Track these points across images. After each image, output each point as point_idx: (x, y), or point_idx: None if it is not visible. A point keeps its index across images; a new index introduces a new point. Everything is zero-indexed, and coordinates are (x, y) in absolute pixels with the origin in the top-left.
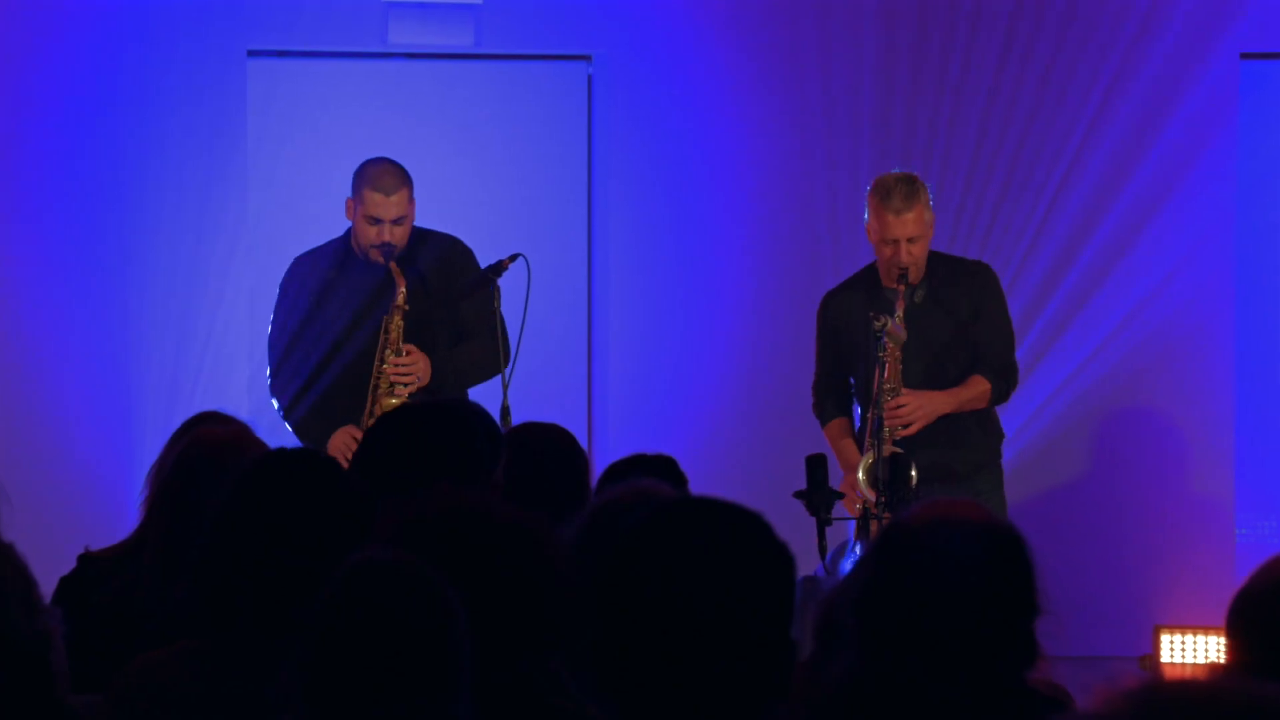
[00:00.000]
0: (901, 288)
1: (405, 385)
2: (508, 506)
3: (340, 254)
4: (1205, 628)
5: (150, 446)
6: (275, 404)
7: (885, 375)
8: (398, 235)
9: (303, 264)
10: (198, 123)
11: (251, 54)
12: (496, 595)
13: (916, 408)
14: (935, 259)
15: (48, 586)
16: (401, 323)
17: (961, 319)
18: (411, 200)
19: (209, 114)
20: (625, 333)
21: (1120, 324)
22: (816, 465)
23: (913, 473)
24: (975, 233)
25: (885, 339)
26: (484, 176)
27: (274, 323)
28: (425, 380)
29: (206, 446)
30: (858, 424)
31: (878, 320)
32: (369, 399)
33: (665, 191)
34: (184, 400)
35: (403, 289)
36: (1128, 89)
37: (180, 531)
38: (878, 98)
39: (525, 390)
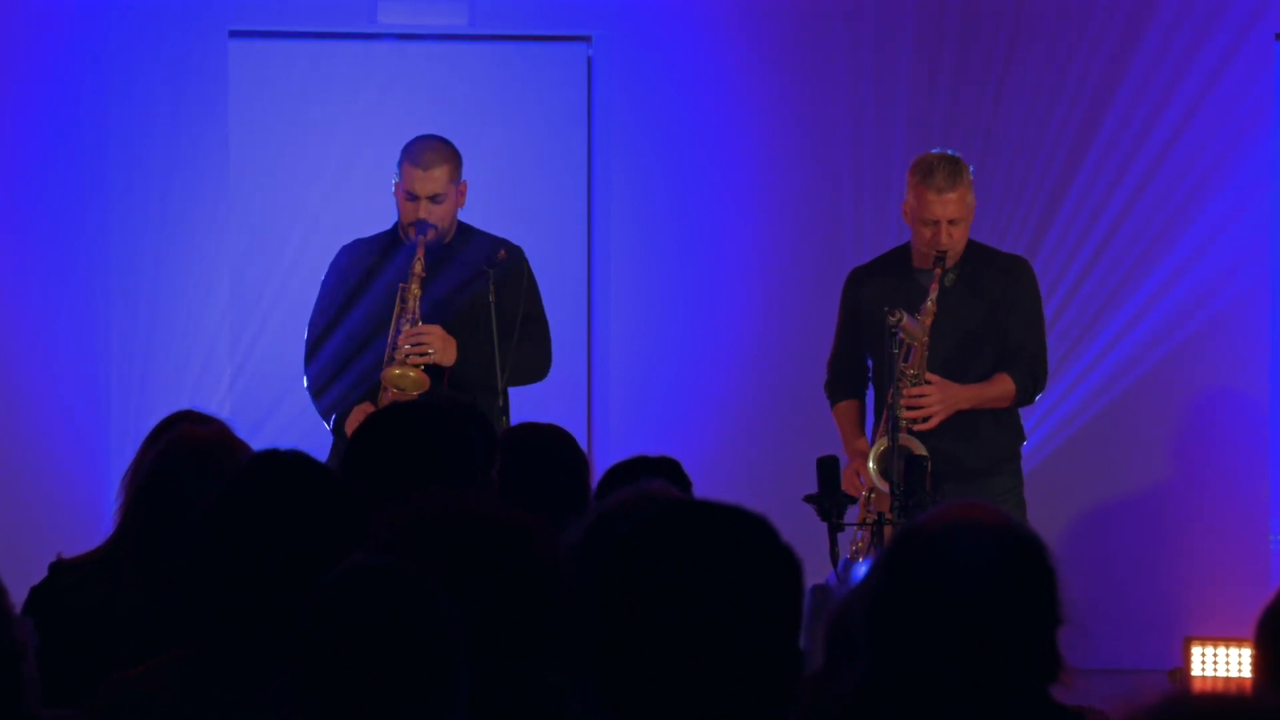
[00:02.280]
0: (937, 270)
1: (420, 357)
2: (503, 508)
3: (387, 242)
4: (1238, 639)
5: (125, 446)
6: (309, 391)
7: (910, 360)
8: (435, 214)
9: (348, 251)
10: (176, 107)
11: (233, 34)
12: (493, 601)
13: (938, 401)
14: (972, 248)
15: (18, 596)
16: (419, 291)
17: (992, 310)
18: (455, 181)
19: (188, 98)
20: (627, 328)
21: (1153, 320)
22: (828, 468)
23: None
24: (1009, 223)
25: (900, 334)
26: (478, 164)
27: (314, 310)
28: (446, 360)
29: (189, 447)
30: (870, 408)
31: (892, 316)
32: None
33: (669, 179)
34: (161, 397)
35: (421, 256)
36: (1162, 71)
37: (161, 537)
38: (900, 79)
39: (522, 389)
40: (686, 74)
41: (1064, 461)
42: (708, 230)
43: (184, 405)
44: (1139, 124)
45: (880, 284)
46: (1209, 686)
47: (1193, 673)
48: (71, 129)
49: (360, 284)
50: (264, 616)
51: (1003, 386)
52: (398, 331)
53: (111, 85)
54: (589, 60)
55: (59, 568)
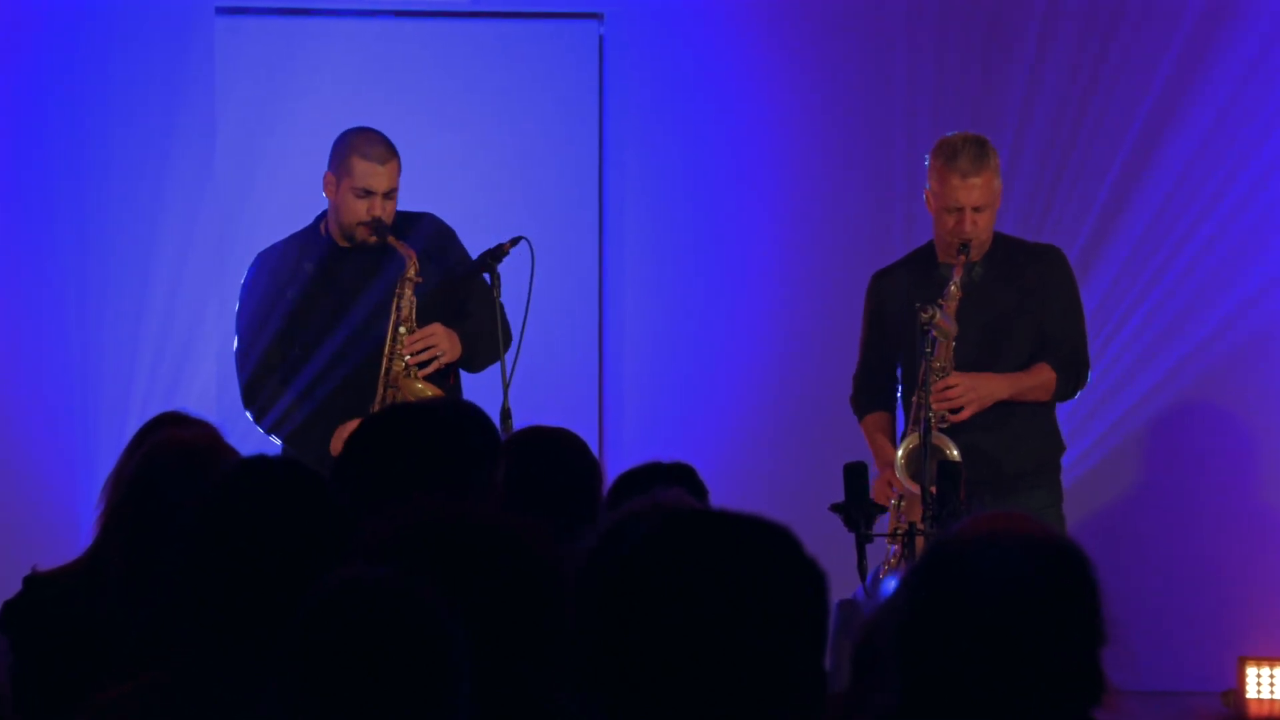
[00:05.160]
0: (961, 258)
1: (428, 363)
2: (499, 513)
3: (313, 244)
4: None
5: (106, 451)
6: (252, 418)
7: (936, 354)
8: (389, 210)
9: (269, 261)
10: (161, 87)
11: (220, 11)
12: (492, 601)
13: (968, 389)
14: (999, 239)
15: None
16: (414, 298)
17: (1026, 300)
18: (400, 173)
19: (173, 78)
20: (640, 325)
21: (1204, 323)
22: (856, 475)
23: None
24: (1031, 219)
25: (933, 332)
26: (482, 150)
27: (241, 330)
28: (454, 355)
29: (174, 452)
30: (901, 418)
31: (925, 312)
32: (380, 387)
33: (684, 165)
34: (143, 398)
35: (413, 259)
36: (1200, 67)
37: (145, 546)
38: (928, 59)
39: (529, 391)
40: (702, 53)
41: (1110, 471)
42: (725, 220)
43: (167, 408)
44: (1169, 120)
45: (903, 283)
46: (1265, 710)
47: (1247, 695)
48: (53, 108)
49: (298, 299)
50: (256, 630)
51: (1042, 375)
52: (394, 340)
53: (95, 63)
54: (601, 39)
55: (34, 581)
